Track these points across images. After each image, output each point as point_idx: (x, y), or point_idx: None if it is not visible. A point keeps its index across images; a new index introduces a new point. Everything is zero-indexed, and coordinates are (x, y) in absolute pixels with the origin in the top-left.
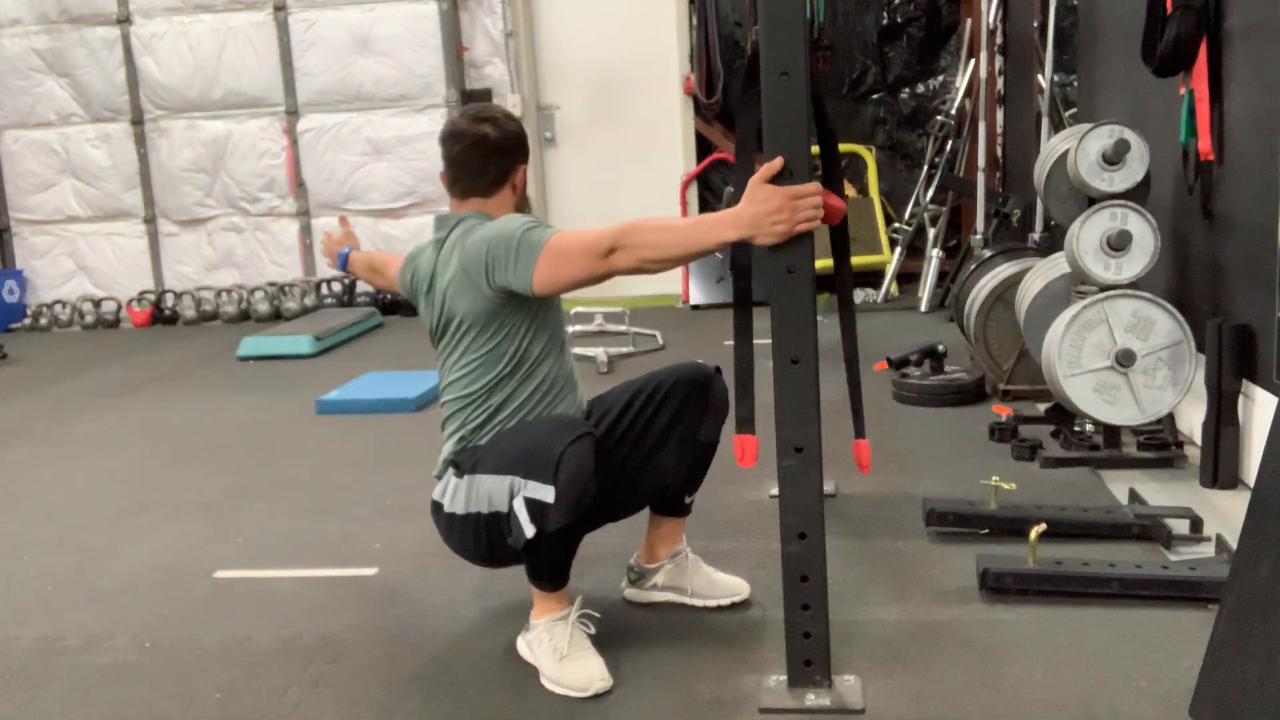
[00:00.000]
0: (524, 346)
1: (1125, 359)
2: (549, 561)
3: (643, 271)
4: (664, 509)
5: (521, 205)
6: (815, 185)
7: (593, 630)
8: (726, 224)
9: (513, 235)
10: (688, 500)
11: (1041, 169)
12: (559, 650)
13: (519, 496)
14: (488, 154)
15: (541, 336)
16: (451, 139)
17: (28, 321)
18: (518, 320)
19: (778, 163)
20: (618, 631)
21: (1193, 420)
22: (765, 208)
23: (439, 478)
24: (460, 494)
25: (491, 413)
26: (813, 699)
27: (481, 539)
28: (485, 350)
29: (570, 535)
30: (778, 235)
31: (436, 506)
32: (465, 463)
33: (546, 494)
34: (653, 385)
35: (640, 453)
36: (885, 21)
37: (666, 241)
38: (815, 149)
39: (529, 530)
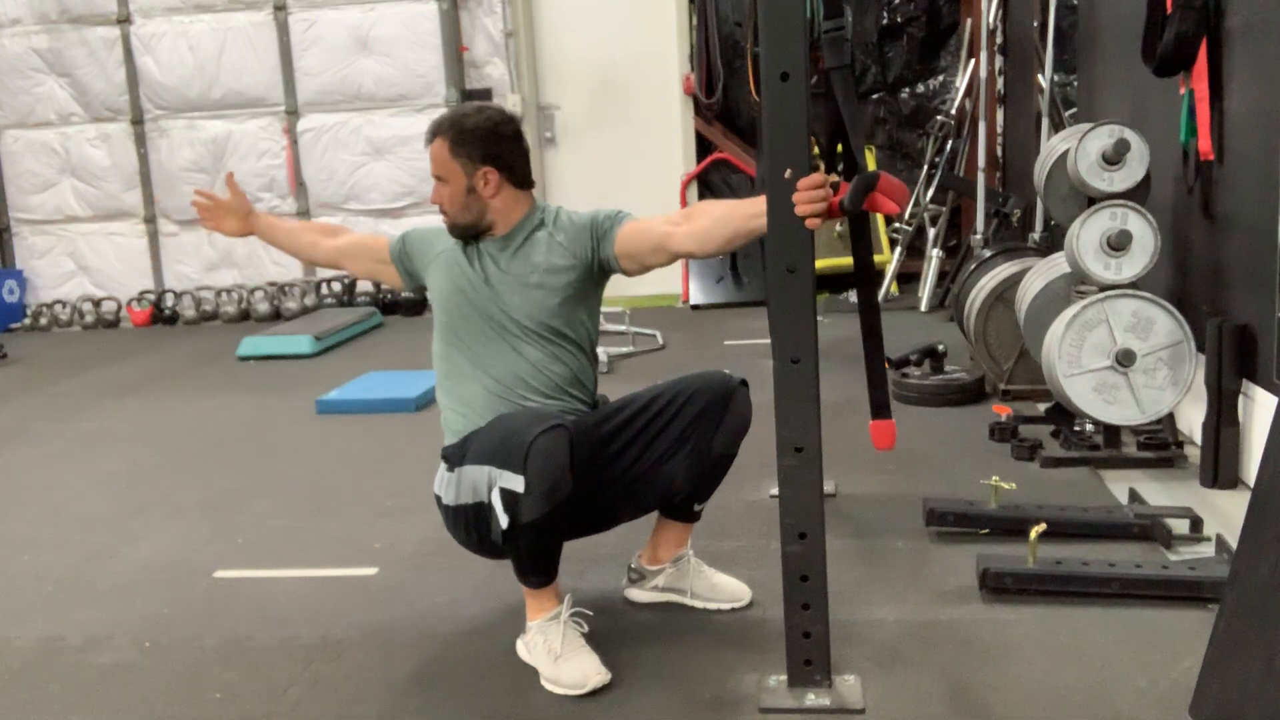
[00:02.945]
0: (436, 345)
1: (1125, 359)
2: (529, 555)
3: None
4: (672, 513)
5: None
6: (821, 177)
7: (585, 629)
8: None
9: None
10: (697, 508)
11: (1041, 169)
12: (553, 650)
13: (495, 488)
14: None
15: (443, 346)
16: None
17: (28, 321)
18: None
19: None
20: (617, 631)
21: (1193, 420)
22: None
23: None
24: (452, 486)
25: (442, 401)
26: (813, 699)
27: (471, 530)
28: None
29: (547, 528)
30: None
31: (437, 499)
32: (455, 456)
33: (518, 484)
34: (674, 391)
35: (652, 457)
36: (885, 21)
37: None
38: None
39: (503, 521)
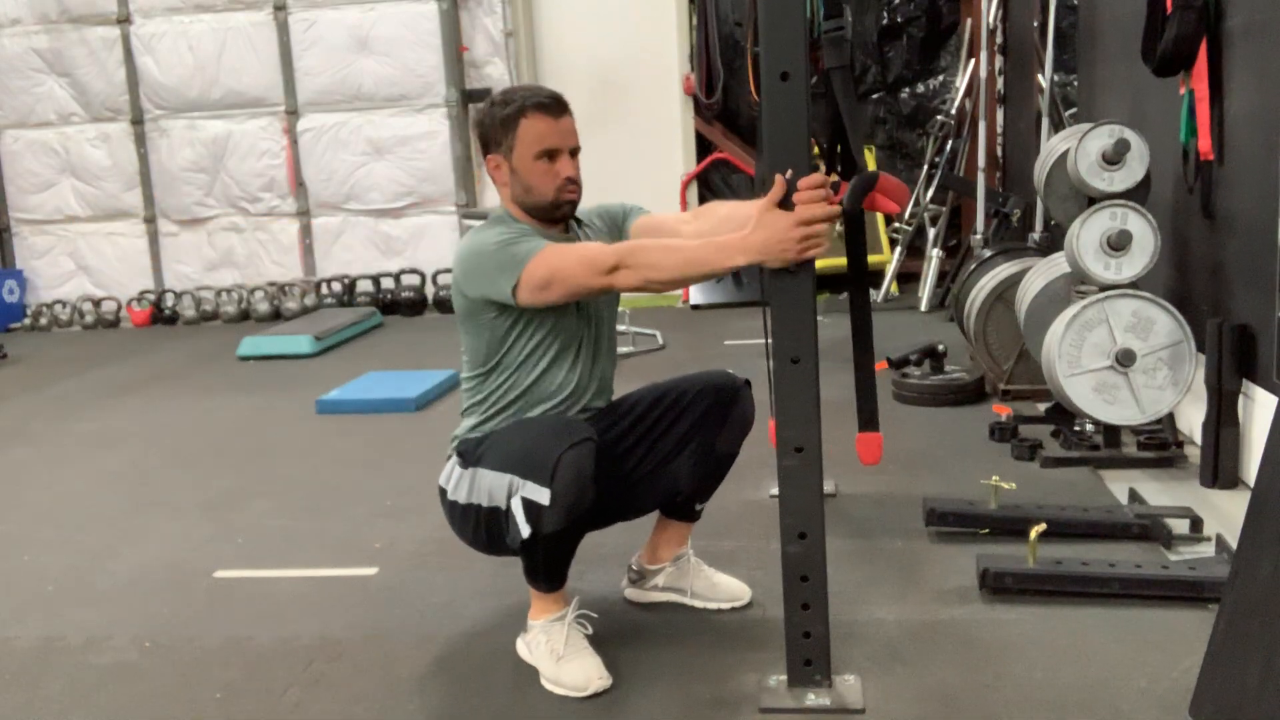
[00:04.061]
0: (503, 350)
1: (1125, 359)
2: (545, 562)
3: (645, 290)
4: (673, 513)
5: (520, 197)
6: (821, 177)
7: (590, 630)
8: (735, 249)
9: (489, 248)
10: (698, 507)
11: (1041, 169)
12: (556, 651)
13: (516, 496)
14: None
15: (525, 343)
16: None
17: (28, 321)
18: (497, 324)
19: (780, 188)
20: (618, 631)
21: (1193, 420)
22: (773, 234)
23: (449, 458)
24: (463, 484)
25: (482, 406)
26: (813, 699)
27: (481, 530)
28: (468, 346)
29: (567, 538)
30: (785, 261)
31: (442, 491)
32: (470, 453)
33: (543, 496)
34: (678, 390)
35: (655, 457)
36: (885, 21)
37: (673, 263)
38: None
39: (525, 530)
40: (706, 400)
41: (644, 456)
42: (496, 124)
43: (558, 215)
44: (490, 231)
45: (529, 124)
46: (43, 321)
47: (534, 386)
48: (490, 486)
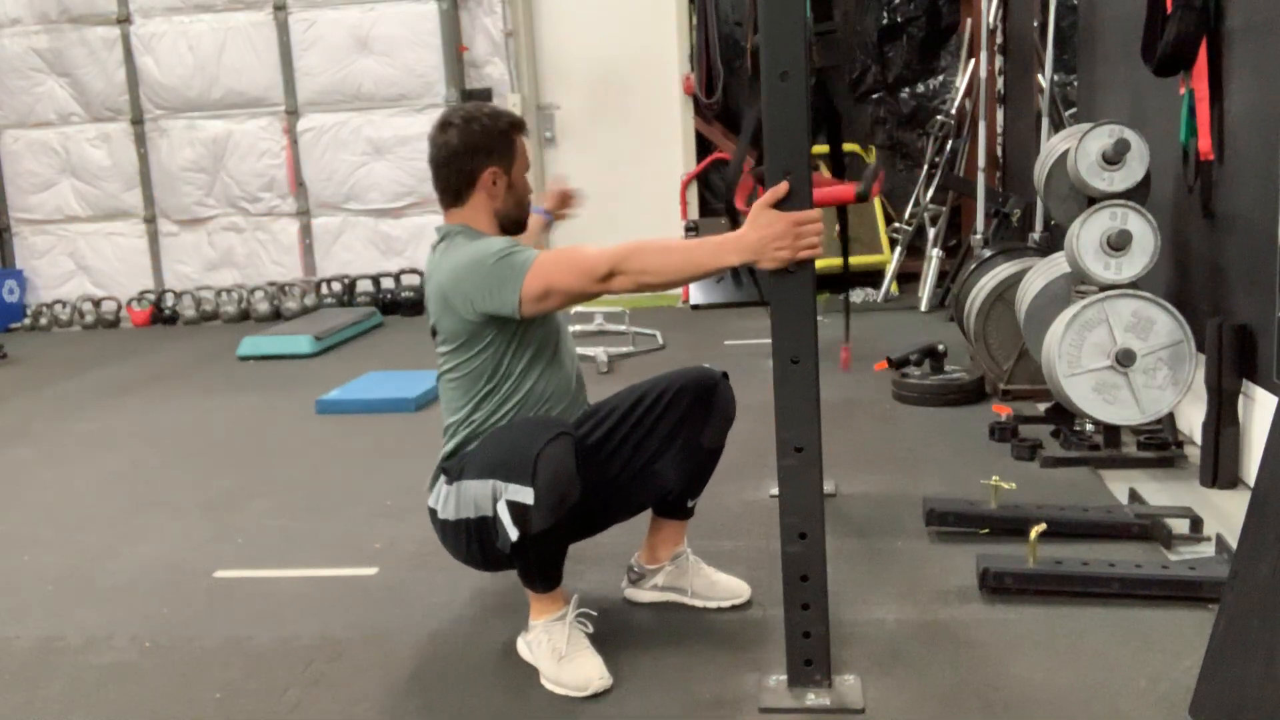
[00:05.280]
0: (505, 364)
1: (1125, 359)
2: (537, 563)
3: (640, 291)
4: (666, 511)
5: (509, 210)
6: (817, 213)
7: (591, 630)
8: (729, 248)
9: (488, 262)
10: (690, 504)
11: (1041, 169)
12: (557, 650)
13: (501, 500)
14: (448, 163)
15: (523, 353)
16: (429, 145)
17: (28, 321)
18: (498, 340)
19: (783, 188)
20: (618, 631)
21: (1193, 420)
22: (769, 233)
23: (430, 488)
24: (451, 501)
25: (477, 426)
26: (813, 699)
27: (474, 544)
28: (467, 369)
29: (556, 537)
30: (780, 261)
31: (432, 513)
32: (454, 469)
33: (527, 496)
34: (658, 390)
35: (642, 458)
36: (885, 21)
37: (668, 266)
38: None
39: (513, 533)
40: (688, 397)
41: (630, 458)
42: (496, 137)
43: (523, 227)
44: (471, 248)
45: (520, 141)
46: (43, 321)
47: (530, 394)
48: (476, 496)
